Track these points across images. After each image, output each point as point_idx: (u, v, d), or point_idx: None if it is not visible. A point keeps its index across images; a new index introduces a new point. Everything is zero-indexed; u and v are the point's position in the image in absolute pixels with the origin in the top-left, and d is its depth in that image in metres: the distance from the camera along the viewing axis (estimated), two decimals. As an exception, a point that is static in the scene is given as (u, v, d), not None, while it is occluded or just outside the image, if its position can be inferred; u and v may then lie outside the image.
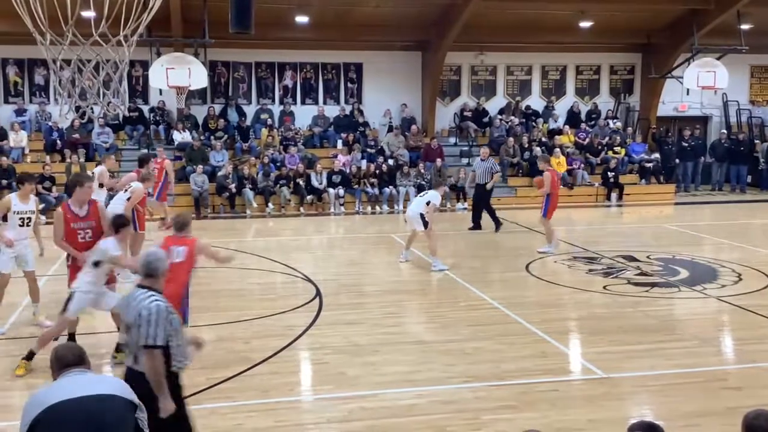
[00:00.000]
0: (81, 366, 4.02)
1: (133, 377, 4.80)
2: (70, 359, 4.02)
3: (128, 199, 11.78)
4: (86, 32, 8.12)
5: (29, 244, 9.69)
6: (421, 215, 12.69)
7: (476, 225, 16.86)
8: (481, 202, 16.87)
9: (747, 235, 16.46)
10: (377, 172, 20.28)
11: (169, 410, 4.88)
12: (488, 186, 16.70)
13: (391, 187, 20.22)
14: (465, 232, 16.61)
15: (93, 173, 13.81)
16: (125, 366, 5.06)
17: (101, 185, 13.53)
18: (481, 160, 17.10)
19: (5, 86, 21.35)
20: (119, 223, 8.07)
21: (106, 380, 4.28)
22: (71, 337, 8.31)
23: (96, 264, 7.76)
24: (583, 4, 21.09)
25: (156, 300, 4.91)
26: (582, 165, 21.98)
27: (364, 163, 20.78)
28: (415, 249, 13.78)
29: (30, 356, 7.78)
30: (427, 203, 12.78)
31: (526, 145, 22.12)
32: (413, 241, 13.32)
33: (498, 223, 16.60)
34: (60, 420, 3.70)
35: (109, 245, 7.83)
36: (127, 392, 3.97)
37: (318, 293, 10.79)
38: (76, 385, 3.86)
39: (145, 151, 19.46)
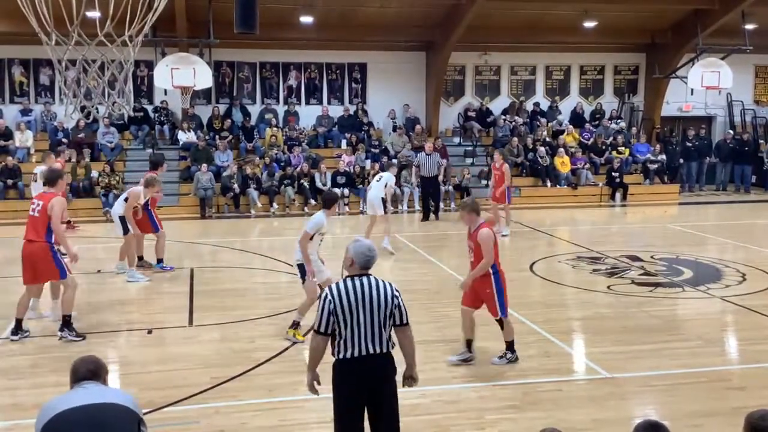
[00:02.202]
0: (93, 380, 4.11)
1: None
2: (83, 373, 4.12)
3: (126, 200, 12.06)
4: (91, 32, 8.16)
5: None
6: (382, 199, 13.74)
7: (426, 216, 18.22)
8: (431, 191, 18.33)
9: (751, 235, 16.43)
10: (381, 165, 20.22)
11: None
12: (440, 179, 18.28)
13: (394, 186, 20.20)
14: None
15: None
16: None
17: (126, 199, 13.05)
18: (426, 154, 18.35)
19: (11, 86, 21.40)
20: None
21: (114, 391, 4.37)
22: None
23: None
24: (587, 4, 21.07)
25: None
26: (587, 165, 21.98)
27: (368, 163, 20.78)
28: (417, 248, 13.80)
29: None
30: (385, 185, 13.89)
31: (531, 146, 22.12)
32: (373, 229, 13.91)
33: (426, 217, 18.03)
34: (65, 426, 3.84)
35: None
36: (132, 404, 4.06)
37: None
38: (83, 395, 3.99)
39: (151, 152, 19.53)
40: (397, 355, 5.10)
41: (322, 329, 4.90)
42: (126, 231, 11.97)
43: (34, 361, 8.04)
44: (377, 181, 14.35)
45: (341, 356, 4.91)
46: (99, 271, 12.36)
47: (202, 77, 18.51)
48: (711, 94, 23.14)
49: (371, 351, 4.90)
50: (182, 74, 18.17)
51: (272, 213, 19.32)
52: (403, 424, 6.41)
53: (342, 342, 4.89)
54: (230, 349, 8.45)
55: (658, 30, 23.03)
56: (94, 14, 8.49)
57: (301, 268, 8.62)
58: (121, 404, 4.00)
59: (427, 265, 13.08)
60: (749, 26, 21.22)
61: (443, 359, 8.01)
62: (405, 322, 5.04)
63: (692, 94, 22.03)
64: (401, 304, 5.00)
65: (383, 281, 5.02)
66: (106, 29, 8.01)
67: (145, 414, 5.66)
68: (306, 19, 20.61)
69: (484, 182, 21.33)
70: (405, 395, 6.87)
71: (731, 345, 9.00)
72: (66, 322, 8.73)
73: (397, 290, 5.02)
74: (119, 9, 7.90)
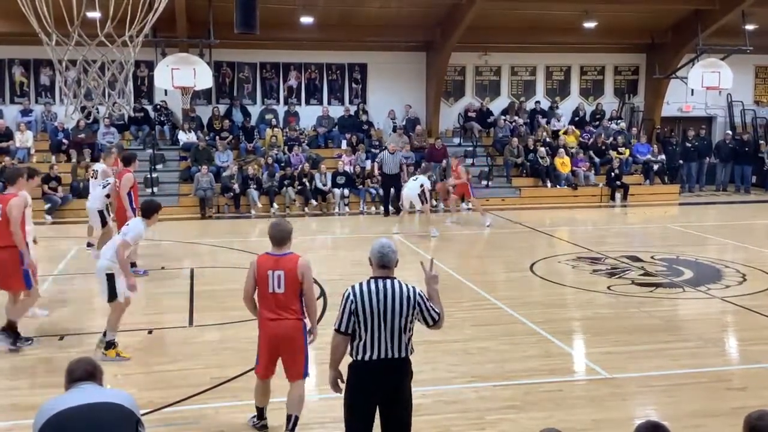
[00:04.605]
0: (90, 381, 4.12)
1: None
2: (79, 374, 4.12)
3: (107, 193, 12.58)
4: (92, 33, 8.17)
5: None
6: (419, 195, 15.75)
7: (387, 212, 19.04)
8: (391, 188, 19.04)
9: (751, 235, 16.44)
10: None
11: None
12: (404, 177, 18.68)
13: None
14: (468, 232, 16.62)
15: (96, 170, 13.89)
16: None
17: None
18: (389, 153, 19.33)
19: (11, 86, 21.41)
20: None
21: (111, 391, 4.38)
22: None
23: None
24: (588, 5, 21.07)
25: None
26: (587, 165, 21.97)
27: (368, 164, 20.79)
28: (418, 249, 13.80)
29: None
30: (421, 186, 15.75)
31: (531, 146, 22.13)
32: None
33: (387, 212, 18.77)
34: (63, 426, 3.84)
35: None
36: (131, 404, 4.05)
37: (322, 293, 10.79)
38: (81, 395, 3.99)
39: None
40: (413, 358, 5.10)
41: (343, 328, 4.87)
42: (105, 224, 12.54)
43: (34, 362, 8.04)
44: (413, 180, 16.30)
45: (359, 358, 4.88)
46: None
47: (203, 77, 18.52)
48: (711, 94, 23.14)
49: (390, 355, 4.86)
50: (182, 74, 18.18)
51: (272, 213, 19.29)
52: (404, 425, 6.44)
53: (361, 344, 4.86)
54: (230, 349, 8.45)
55: (658, 30, 23.03)
56: (95, 15, 8.50)
57: (110, 278, 7.96)
58: (118, 404, 3.99)
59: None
60: (749, 26, 21.21)
61: (444, 359, 8.01)
62: (436, 319, 5.02)
63: (692, 94, 22.04)
64: (424, 306, 4.95)
65: (407, 285, 4.98)
66: (106, 29, 8.02)
67: (145, 414, 5.68)
68: (306, 20, 20.61)
69: (484, 182, 21.37)
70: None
71: (731, 345, 9.01)
72: (9, 327, 8.35)
73: (420, 294, 4.97)
74: (119, 9, 7.91)
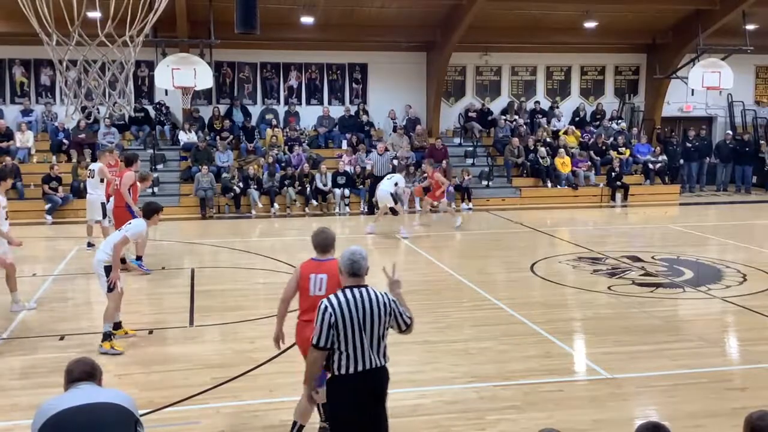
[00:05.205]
0: (89, 381, 4.12)
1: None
2: (78, 374, 4.13)
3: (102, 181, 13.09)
4: (92, 33, 8.16)
5: None
6: (391, 194, 15.67)
7: (372, 212, 18.64)
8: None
9: (752, 235, 16.44)
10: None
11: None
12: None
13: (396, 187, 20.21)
14: (469, 233, 16.62)
15: (92, 170, 13.97)
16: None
17: (102, 180, 13.65)
18: (378, 154, 19.77)
19: (11, 87, 21.41)
20: None
21: (110, 391, 4.38)
22: None
23: None
24: (588, 5, 21.07)
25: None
26: (588, 165, 21.97)
27: (369, 164, 20.79)
28: (418, 249, 13.79)
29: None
30: (395, 184, 15.82)
31: (532, 146, 22.13)
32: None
33: (372, 212, 18.34)
34: (62, 426, 3.85)
35: None
36: (130, 404, 4.05)
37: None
38: (79, 396, 4.00)
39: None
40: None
41: (322, 344, 4.74)
42: (105, 215, 13.08)
43: (34, 362, 8.04)
44: (388, 179, 16.27)
45: (342, 372, 4.76)
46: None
47: (203, 77, 18.53)
48: (712, 94, 23.13)
49: (371, 365, 4.79)
50: (183, 74, 18.20)
51: (273, 213, 19.32)
52: (404, 425, 6.43)
53: (343, 357, 4.75)
54: (231, 349, 8.45)
55: (658, 30, 23.04)
56: (95, 15, 8.49)
57: (108, 271, 8.31)
58: (117, 404, 4.00)
59: (427, 265, 13.08)
60: (750, 26, 21.21)
61: (444, 360, 8.01)
62: (408, 324, 4.97)
63: (693, 94, 22.02)
64: (398, 311, 4.90)
65: (380, 292, 4.92)
66: (106, 30, 8.01)
67: (145, 414, 5.69)
68: (307, 20, 20.61)
69: (484, 182, 21.37)
70: (405, 396, 6.89)
71: (732, 345, 9.00)
72: None
73: (394, 300, 4.93)
74: (120, 9, 7.90)
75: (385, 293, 4.93)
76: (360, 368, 4.76)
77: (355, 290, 4.83)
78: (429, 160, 18.45)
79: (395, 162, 20.52)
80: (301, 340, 6.05)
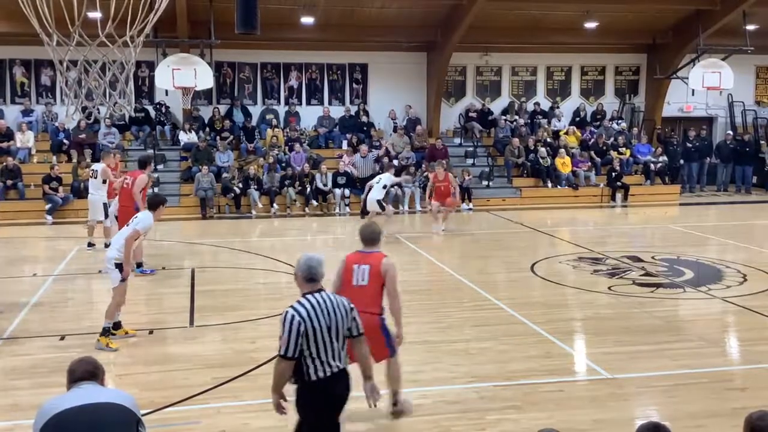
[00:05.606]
0: (91, 380, 4.12)
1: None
2: (80, 374, 4.12)
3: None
4: (93, 33, 8.17)
5: None
6: (377, 201, 15.26)
7: (363, 214, 18.32)
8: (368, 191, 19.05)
9: (752, 235, 16.44)
10: (380, 169, 20.26)
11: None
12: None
13: (396, 187, 20.22)
14: (469, 232, 16.62)
15: (95, 170, 13.99)
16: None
17: (104, 181, 13.66)
18: (362, 156, 19.75)
19: (12, 87, 21.41)
20: None
21: (112, 391, 4.39)
22: None
23: None
24: (588, 5, 21.08)
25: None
26: (588, 166, 21.96)
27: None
28: (419, 249, 13.79)
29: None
30: (384, 186, 15.31)
31: (532, 147, 22.13)
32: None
33: (365, 214, 17.66)
34: (64, 426, 3.85)
35: None
36: (131, 404, 4.05)
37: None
38: (81, 395, 3.99)
39: (150, 152, 19.60)
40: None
41: (290, 353, 4.66)
42: (107, 215, 13.22)
43: (34, 361, 8.04)
44: (377, 182, 15.72)
45: (312, 378, 4.72)
46: (100, 271, 12.35)
47: (203, 78, 18.53)
48: (712, 94, 23.14)
49: (338, 368, 4.79)
50: (183, 75, 18.21)
51: (273, 213, 19.33)
52: (404, 425, 6.44)
53: (311, 362, 4.71)
54: (231, 349, 8.45)
55: (659, 30, 23.04)
56: (96, 15, 8.50)
57: (120, 267, 8.51)
58: (119, 404, 3.99)
59: (427, 265, 13.08)
60: (750, 27, 21.21)
61: (444, 360, 8.01)
62: (361, 332, 4.99)
63: (693, 94, 22.03)
64: (356, 315, 4.96)
65: (336, 296, 4.94)
66: (107, 30, 8.02)
67: (146, 414, 5.68)
68: (307, 20, 20.62)
69: (485, 183, 21.38)
70: (406, 396, 6.88)
71: (732, 346, 9.00)
72: None
73: (351, 304, 4.96)
74: (120, 10, 7.92)
75: (342, 298, 4.98)
76: (329, 372, 4.76)
77: (317, 295, 4.83)
78: (441, 162, 17.55)
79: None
80: None
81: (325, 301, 4.80)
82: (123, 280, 8.51)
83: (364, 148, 20.60)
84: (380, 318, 6.29)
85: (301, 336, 4.67)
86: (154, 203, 9.14)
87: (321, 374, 4.74)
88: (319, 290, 4.87)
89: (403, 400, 6.53)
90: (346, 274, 6.28)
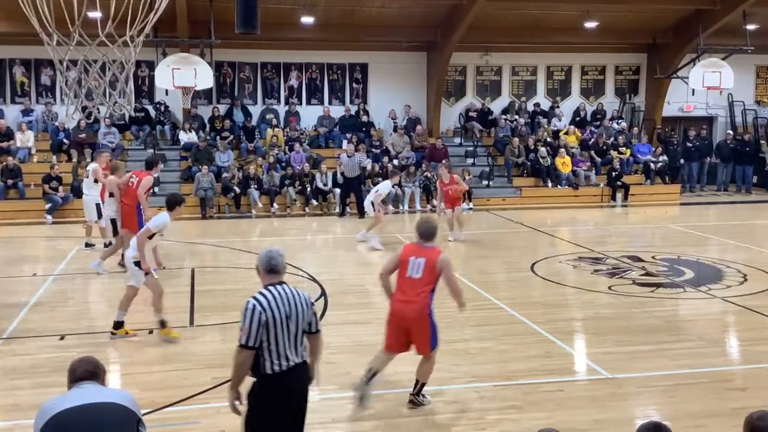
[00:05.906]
0: (92, 380, 4.12)
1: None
2: (81, 374, 4.12)
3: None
4: (93, 33, 8.17)
5: None
6: (371, 203, 14.99)
7: (343, 212, 19.25)
8: (351, 192, 19.25)
9: (752, 235, 16.44)
10: (382, 171, 20.28)
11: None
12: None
13: (396, 187, 20.20)
14: (469, 233, 16.60)
15: (88, 170, 14.02)
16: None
17: (96, 181, 13.64)
18: (348, 156, 19.31)
19: (12, 86, 21.41)
20: None
21: (112, 391, 4.38)
22: None
23: None
24: (589, 5, 21.07)
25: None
26: (588, 165, 21.96)
27: (369, 164, 20.79)
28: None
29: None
30: (377, 191, 15.13)
31: (532, 146, 22.13)
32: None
33: (362, 214, 17.91)
34: (64, 425, 3.84)
35: None
36: (131, 404, 4.05)
37: (323, 293, 10.81)
38: (82, 395, 3.99)
39: (158, 154, 19.60)
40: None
41: (251, 343, 4.70)
42: (100, 216, 13.16)
43: (34, 361, 8.04)
44: (374, 188, 15.80)
45: (269, 371, 4.73)
46: (99, 272, 12.36)
47: (203, 77, 18.52)
48: (712, 94, 23.12)
49: (296, 362, 4.79)
50: (183, 74, 18.19)
51: (273, 213, 19.33)
52: (404, 425, 6.45)
53: (273, 354, 4.73)
54: (231, 349, 8.34)
55: (659, 30, 23.03)
56: (96, 14, 8.50)
57: (138, 265, 8.65)
58: (119, 404, 3.99)
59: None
60: (750, 26, 21.21)
61: (444, 360, 8.00)
62: (319, 329, 5.02)
63: (693, 94, 22.01)
64: (316, 312, 5.00)
65: (298, 290, 4.94)
66: (107, 29, 8.02)
67: (146, 414, 5.68)
68: (307, 20, 20.62)
69: (485, 182, 21.37)
70: (406, 396, 6.88)
71: (732, 345, 9.00)
72: None
73: (311, 299, 4.98)
74: (120, 9, 7.91)
75: (304, 292, 4.98)
76: (285, 366, 4.76)
77: (278, 287, 4.85)
78: (443, 164, 16.96)
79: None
80: (396, 316, 6.61)
81: (286, 294, 4.83)
82: (147, 274, 8.62)
83: (350, 147, 20.12)
84: (429, 312, 6.51)
85: (262, 326, 4.71)
86: (173, 203, 9.01)
87: (277, 368, 4.75)
88: (281, 282, 4.90)
89: (424, 394, 6.75)
90: (402, 265, 6.48)
